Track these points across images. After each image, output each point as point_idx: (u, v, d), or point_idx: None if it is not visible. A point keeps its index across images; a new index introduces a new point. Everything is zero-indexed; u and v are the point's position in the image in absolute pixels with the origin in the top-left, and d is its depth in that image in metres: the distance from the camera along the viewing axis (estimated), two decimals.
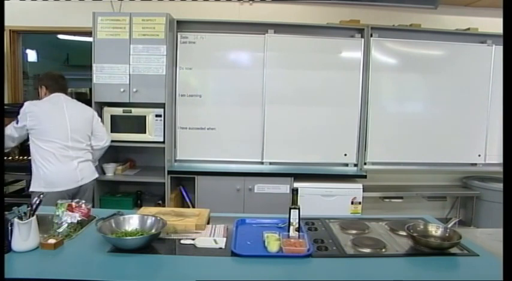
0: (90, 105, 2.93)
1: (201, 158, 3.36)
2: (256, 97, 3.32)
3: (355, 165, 3.44)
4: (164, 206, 3.17)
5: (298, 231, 1.61)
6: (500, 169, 3.37)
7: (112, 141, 2.99)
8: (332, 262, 1.47)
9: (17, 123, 2.52)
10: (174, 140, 3.34)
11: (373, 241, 1.65)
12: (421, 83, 3.46)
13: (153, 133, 3.20)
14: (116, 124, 3.20)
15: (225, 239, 1.62)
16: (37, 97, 2.69)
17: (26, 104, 2.54)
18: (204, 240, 1.60)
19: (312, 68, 3.33)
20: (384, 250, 1.57)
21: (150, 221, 1.64)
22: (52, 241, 1.49)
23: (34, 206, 1.51)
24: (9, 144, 2.60)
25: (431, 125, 3.47)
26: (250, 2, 3.67)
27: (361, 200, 3.14)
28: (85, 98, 3.33)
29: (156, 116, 3.19)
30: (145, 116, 3.20)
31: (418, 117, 3.49)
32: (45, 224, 1.64)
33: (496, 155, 3.52)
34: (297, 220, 1.61)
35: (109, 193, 3.37)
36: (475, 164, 3.57)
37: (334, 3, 3.65)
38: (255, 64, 3.31)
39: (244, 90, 3.33)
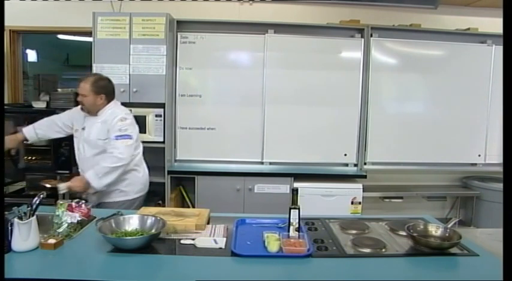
0: None
1: (201, 158, 3.36)
2: (256, 97, 3.32)
3: (355, 165, 3.43)
4: (164, 206, 3.16)
5: (298, 231, 1.61)
6: (500, 169, 3.37)
7: None
8: (332, 262, 1.47)
9: (133, 138, 2.32)
10: (174, 140, 3.34)
11: (373, 241, 1.65)
12: (421, 83, 3.46)
13: (153, 133, 3.20)
14: None
15: (225, 239, 1.62)
16: (37, 97, 2.64)
17: (125, 115, 2.34)
18: (204, 240, 1.60)
19: (312, 68, 3.33)
20: (384, 250, 1.57)
21: (150, 221, 1.64)
22: (52, 241, 1.49)
23: (34, 206, 1.51)
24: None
25: (431, 125, 3.47)
26: (250, 2, 3.67)
27: (361, 200, 3.14)
28: None
29: (156, 116, 3.18)
30: (145, 116, 3.19)
31: (418, 117, 3.48)
32: (45, 224, 1.64)
33: (496, 155, 3.52)
34: (297, 220, 1.61)
35: None
36: (475, 164, 3.57)
37: (334, 3, 3.64)
38: (255, 64, 3.31)
39: (244, 90, 3.33)
